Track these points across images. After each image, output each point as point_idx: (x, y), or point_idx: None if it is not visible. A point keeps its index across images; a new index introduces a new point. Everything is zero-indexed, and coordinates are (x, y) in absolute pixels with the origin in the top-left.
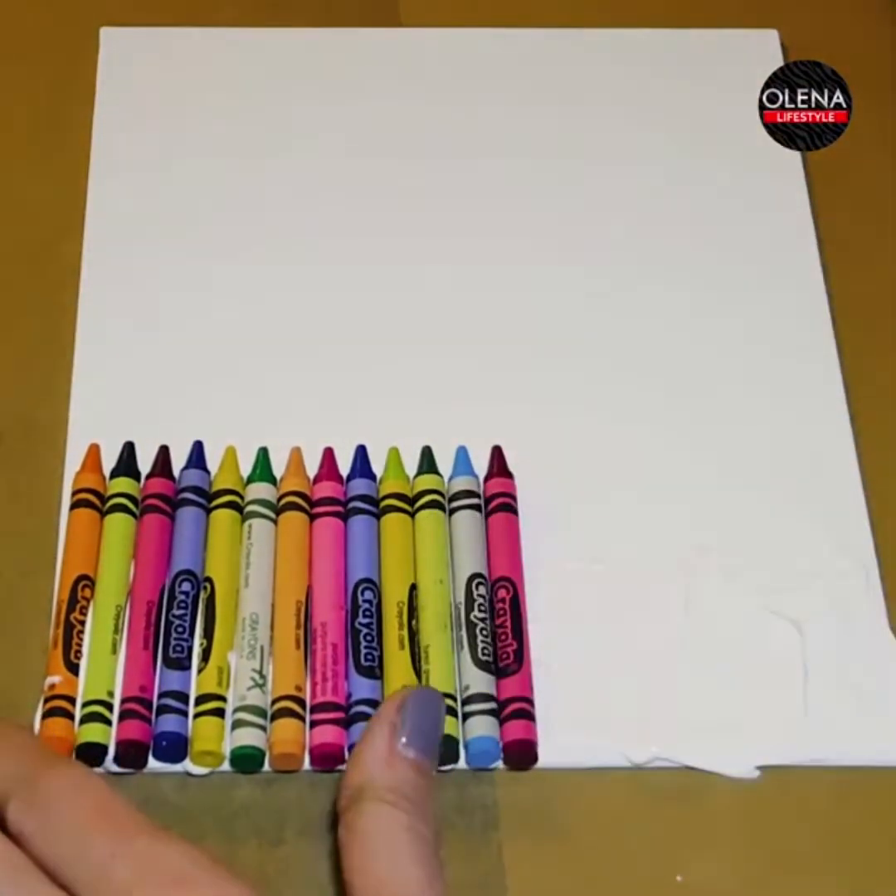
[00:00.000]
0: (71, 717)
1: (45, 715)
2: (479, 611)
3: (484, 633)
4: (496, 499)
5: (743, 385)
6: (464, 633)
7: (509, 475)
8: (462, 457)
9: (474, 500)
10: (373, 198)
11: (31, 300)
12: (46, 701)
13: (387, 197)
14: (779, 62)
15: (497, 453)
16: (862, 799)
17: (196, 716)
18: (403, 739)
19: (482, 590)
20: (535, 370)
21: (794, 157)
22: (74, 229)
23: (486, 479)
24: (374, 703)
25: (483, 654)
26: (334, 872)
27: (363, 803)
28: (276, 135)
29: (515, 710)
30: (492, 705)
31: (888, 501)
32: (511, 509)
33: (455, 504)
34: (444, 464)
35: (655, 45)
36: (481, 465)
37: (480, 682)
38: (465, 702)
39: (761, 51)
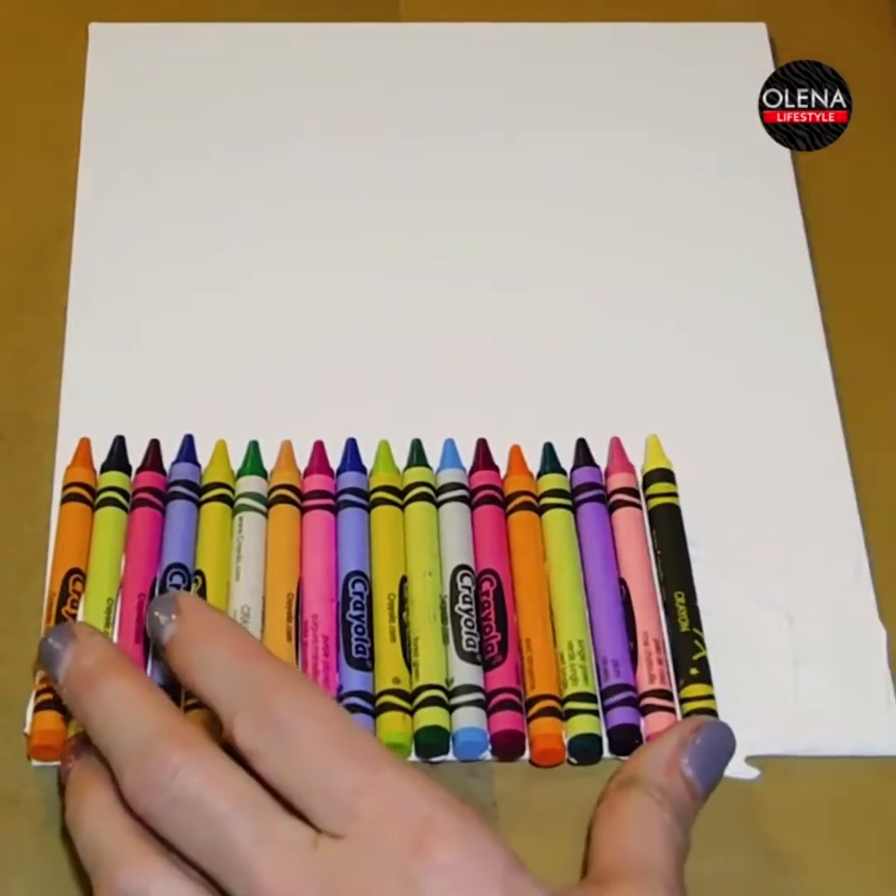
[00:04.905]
0: (63, 710)
1: (37, 708)
2: (464, 602)
3: (468, 624)
4: (481, 491)
5: (731, 378)
6: (449, 625)
7: (494, 468)
8: (449, 450)
9: (460, 493)
10: (369, 194)
11: (23, 297)
12: (38, 694)
13: (384, 192)
14: (767, 56)
15: (482, 446)
16: (863, 796)
17: (187, 708)
18: (686, 759)
19: (467, 581)
20: (524, 365)
21: (783, 149)
22: (65, 226)
23: (471, 471)
24: (365, 695)
25: (467, 646)
26: None
27: (632, 791)
28: (270, 132)
29: (502, 700)
30: (478, 696)
31: (877, 492)
32: (496, 502)
33: (442, 497)
34: (434, 457)
35: (646, 38)
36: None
37: (466, 673)
38: (451, 694)
39: (749, 44)
